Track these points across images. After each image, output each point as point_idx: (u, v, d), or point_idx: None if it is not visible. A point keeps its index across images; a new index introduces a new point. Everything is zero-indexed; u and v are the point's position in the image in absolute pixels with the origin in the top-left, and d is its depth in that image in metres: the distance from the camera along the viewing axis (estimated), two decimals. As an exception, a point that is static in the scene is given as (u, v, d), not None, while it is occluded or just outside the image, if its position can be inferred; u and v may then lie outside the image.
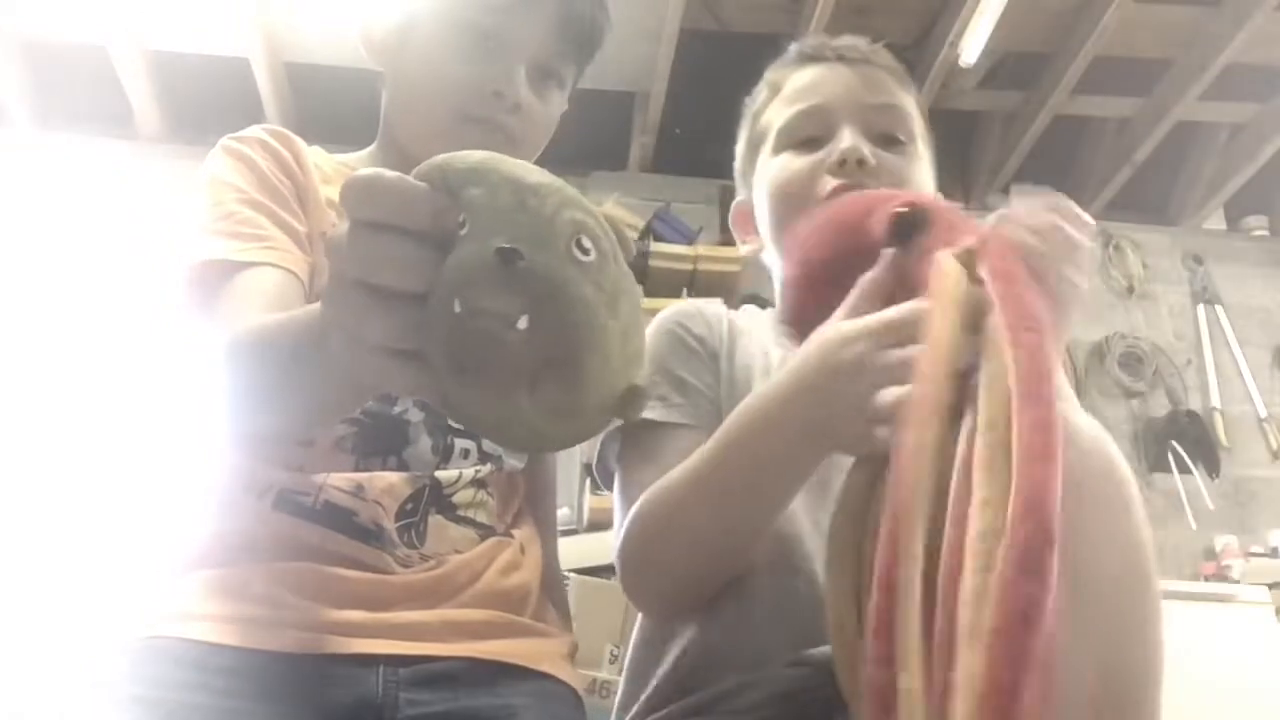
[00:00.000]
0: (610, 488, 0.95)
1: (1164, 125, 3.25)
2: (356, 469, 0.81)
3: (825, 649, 0.74)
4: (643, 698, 0.84)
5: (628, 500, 0.83)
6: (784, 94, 0.99)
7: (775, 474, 0.72)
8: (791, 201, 0.93)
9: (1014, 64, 3.22)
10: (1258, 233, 3.71)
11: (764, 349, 0.93)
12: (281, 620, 0.73)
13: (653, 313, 3.34)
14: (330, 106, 0.93)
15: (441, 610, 0.79)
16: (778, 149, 0.97)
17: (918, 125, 0.98)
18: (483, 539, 0.86)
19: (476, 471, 0.87)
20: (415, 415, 0.85)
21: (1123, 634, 0.56)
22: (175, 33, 2.92)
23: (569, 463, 3.03)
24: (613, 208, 3.04)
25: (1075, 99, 3.20)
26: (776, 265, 1.01)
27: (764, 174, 0.98)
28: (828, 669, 0.73)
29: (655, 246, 2.98)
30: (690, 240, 3.03)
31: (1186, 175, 3.61)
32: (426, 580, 0.80)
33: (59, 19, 2.87)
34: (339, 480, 0.79)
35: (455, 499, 0.86)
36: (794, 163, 0.94)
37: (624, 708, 0.86)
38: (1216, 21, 2.96)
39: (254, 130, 0.90)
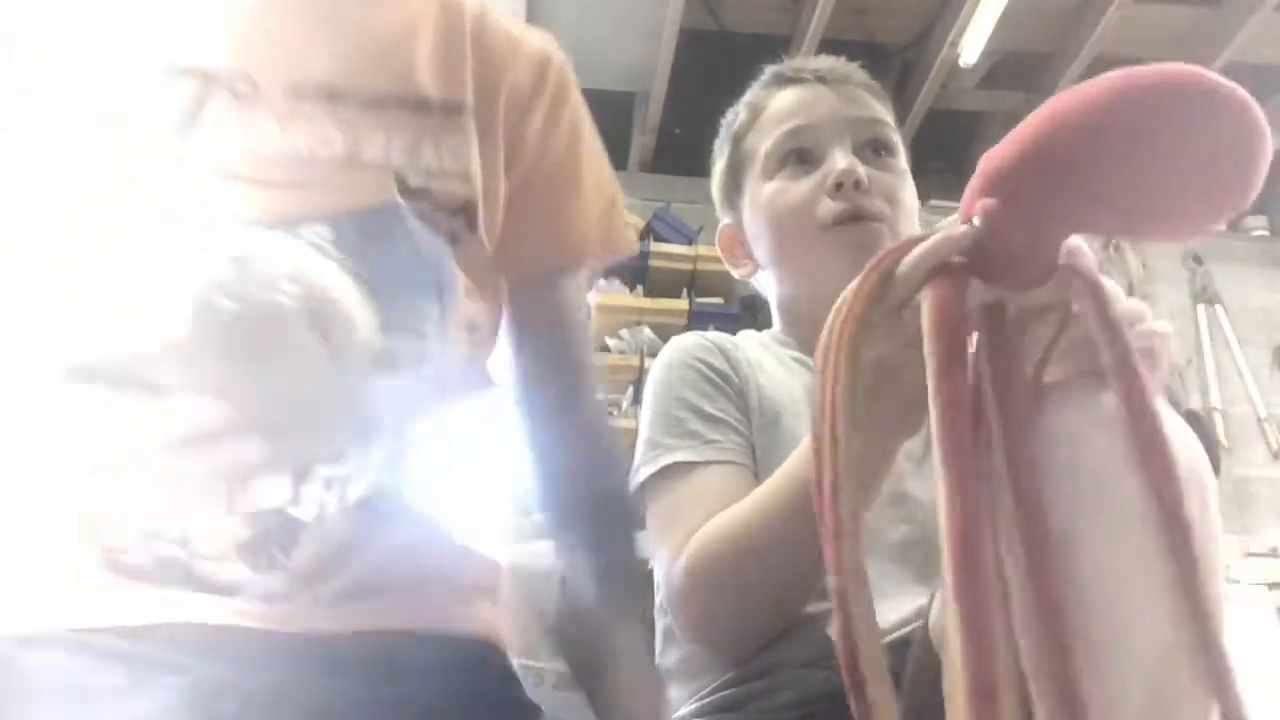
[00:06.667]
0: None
1: (1164, 125, 3.25)
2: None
3: None
4: (675, 693, 0.84)
5: (674, 543, 0.81)
6: (767, 117, 0.99)
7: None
8: (792, 227, 0.94)
9: (1014, 64, 3.22)
10: (1258, 233, 3.71)
11: (782, 381, 0.92)
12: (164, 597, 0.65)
13: (653, 312, 3.30)
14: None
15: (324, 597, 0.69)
16: (768, 173, 0.97)
17: (898, 141, 1.00)
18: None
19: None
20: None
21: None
22: (175, 33, 2.92)
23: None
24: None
25: (1075, 99, 3.20)
26: (775, 287, 1.02)
27: (758, 199, 0.98)
28: None
29: (655, 246, 2.98)
30: (690, 240, 3.03)
31: (1186, 175, 3.61)
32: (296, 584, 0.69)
33: (59, 19, 2.87)
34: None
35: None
36: (791, 188, 0.95)
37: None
38: (1216, 21, 2.97)
39: None
